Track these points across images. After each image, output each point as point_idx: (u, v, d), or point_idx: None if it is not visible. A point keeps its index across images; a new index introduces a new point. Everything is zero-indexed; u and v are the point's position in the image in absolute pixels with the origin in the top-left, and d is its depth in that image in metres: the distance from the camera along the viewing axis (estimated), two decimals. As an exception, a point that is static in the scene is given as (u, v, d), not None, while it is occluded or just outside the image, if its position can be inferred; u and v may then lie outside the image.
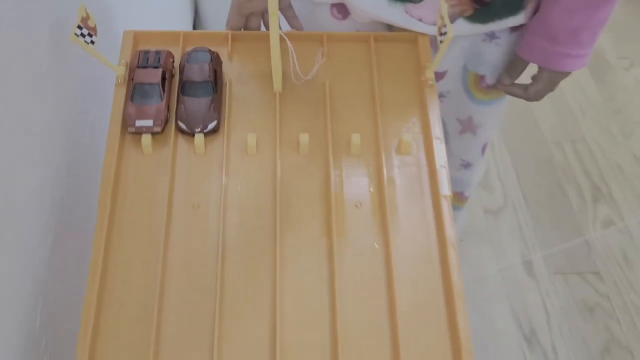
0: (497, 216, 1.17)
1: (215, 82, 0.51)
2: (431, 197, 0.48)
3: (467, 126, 0.67)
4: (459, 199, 0.77)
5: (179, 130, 0.50)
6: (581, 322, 1.03)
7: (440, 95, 0.64)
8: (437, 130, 0.50)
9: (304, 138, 0.49)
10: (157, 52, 0.52)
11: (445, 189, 0.47)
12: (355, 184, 0.49)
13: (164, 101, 0.50)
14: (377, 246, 0.46)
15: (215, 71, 0.51)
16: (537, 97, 0.61)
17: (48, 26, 0.48)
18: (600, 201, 1.20)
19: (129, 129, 0.49)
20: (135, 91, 0.49)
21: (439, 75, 0.61)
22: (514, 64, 0.60)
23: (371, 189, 0.48)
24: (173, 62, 0.53)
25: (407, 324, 0.43)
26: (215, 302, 0.43)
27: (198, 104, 0.50)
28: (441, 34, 0.47)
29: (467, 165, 0.71)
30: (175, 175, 0.48)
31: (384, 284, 0.44)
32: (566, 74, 0.59)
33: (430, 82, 0.51)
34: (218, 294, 0.43)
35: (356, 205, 0.48)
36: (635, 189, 1.23)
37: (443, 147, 0.49)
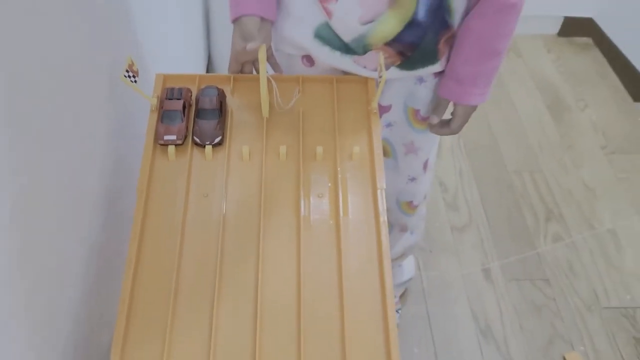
0: (462, 232, 1.35)
1: (221, 110, 0.70)
2: (371, 189, 0.66)
3: (410, 149, 0.85)
4: (409, 207, 0.94)
5: (195, 143, 0.68)
6: (530, 320, 1.18)
7: (389, 125, 0.83)
8: (378, 144, 0.69)
9: (283, 149, 0.67)
10: (180, 89, 0.71)
11: (382, 183, 0.66)
12: (319, 181, 0.67)
13: (184, 122, 0.69)
14: (331, 222, 0.64)
15: (221, 102, 0.70)
16: (458, 129, 0.79)
17: (106, 67, 0.68)
18: (551, 220, 1.37)
19: (159, 141, 0.67)
20: (164, 115, 0.68)
21: (386, 109, 0.80)
22: (438, 103, 0.79)
23: (329, 184, 0.67)
24: (191, 95, 0.72)
25: (352, 282, 0.60)
26: (217, 262, 0.61)
27: (208, 125, 0.68)
28: (380, 77, 0.67)
29: (412, 179, 0.89)
30: (191, 174, 0.67)
31: (335, 249, 0.62)
32: (474, 107, 0.77)
33: (375, 111, 0.70)
34: (219, 257, 0.61)
35: (319, 195, 0.66)
36: (582, 211, 1.40)
37: (381, 155, 0.68)
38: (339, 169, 0.67)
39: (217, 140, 0.68)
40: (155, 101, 0.70)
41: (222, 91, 0.72)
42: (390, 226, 0.98)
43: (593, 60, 1.88)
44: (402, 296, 1.19)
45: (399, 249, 1.02)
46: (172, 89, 0.71)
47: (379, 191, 0.65)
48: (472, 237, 1.33)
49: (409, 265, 1.15)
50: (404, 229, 0.97)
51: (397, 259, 1.05)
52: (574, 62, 1.86)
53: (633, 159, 1.53)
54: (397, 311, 1.16)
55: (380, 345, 0.58)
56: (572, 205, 1.41)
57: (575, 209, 1.40)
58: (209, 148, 0.68)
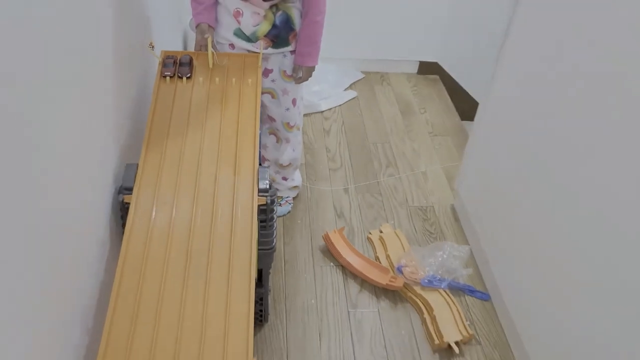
0: (335, 171, 2.12)
1: (190, 64, 1.47)
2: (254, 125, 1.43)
3: (284, 92, 1.62)
4: (288, 126, 1.70)
5: (178, 76, 1.45)
6: (366, 210, 1.94)
7: (272, 80, 1.61)
8: (259, 84, 1.47)
9: (216, 80, 1.45)
10: (172, 56, 1.49)
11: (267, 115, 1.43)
12: (230, 95, 1.44)
13: (174, 68, 1.46)
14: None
15: (190, 60, 1.48)
16: (306, 79, 1.58)
17: (136, 46, 1.46)
18: (389, 167, 2.16)
19: (162, 75, 1.44)
20: (164, 64, 1.46)
21: (270, 71, 1.59)
22: (295, 66, 1.57)
23: (238, 99, 1.44)
24: (176, 59, 1.50)
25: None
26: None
27: (184, 69, 1.45)
28: (264, 55, 1.45)
29: (287, 109, 1.65)
30: (176, 90, 1.43)
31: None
32: (312, 67, 1.57)
33: (260, 69, 1.49)
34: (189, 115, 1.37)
35: (228, 106, 1.43)
36: (409, 163, 2.19)
37: (260, 93, 1.45)
38: (241, 90, 1.45)
39: (187, 75, 1.45)
40: (161, 59, 1.48)
41: (191, 57, 1.50)
42: (280, 140, 1.75)
43: (437, 89, 2.74)
44: (295, 198, 1.94)
45: (286, 158, 1.78)
46: (168, 56, 1.49)
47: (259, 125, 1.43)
48: (340, 173, 2.11)
49: (298, 177, 1.91)
50: (287, 141, 1.73)
51: (286, 167, 1.81)
52: (424, 89, 2.72)
53: (445, 138, 2.35)
54: (290, 203, 1.90)
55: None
56: (404, 160, 2.20)
57: (405, 162, 2.20)
58: (184, 80, 1.45)
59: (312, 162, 2.15)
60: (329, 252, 1.74)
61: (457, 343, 1.47)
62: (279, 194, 1.87)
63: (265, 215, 1.28)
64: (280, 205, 1.86)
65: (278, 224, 1.82)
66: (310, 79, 1.61)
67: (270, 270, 1.44)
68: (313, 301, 1.60)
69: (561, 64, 1.35)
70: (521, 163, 1.51)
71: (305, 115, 2.35)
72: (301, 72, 1.57)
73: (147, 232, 1.14)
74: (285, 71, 1.59)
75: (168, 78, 1.43)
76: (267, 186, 1.25)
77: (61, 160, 0.92)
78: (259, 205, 1.23)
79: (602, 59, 1.19)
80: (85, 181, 1.06)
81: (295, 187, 1.91)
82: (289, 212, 1.89)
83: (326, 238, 1.74)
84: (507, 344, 1.53)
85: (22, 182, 0.76)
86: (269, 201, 1.24)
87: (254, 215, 1.19)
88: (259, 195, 1.23)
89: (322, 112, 2.44)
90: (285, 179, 1.85)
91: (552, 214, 1.34)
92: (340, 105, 2.50)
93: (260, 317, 1.49)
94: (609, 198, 1.14)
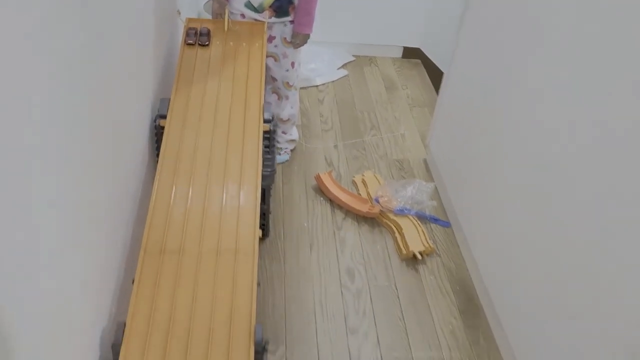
0: (326, 132, 2.45)
1: (208, 35, 1.80)
2: (259, 84, 1.76)
3: (285, 56, 1.95)
4: (288, 85, 2.04)
5: (199, 44, 1.78)
6: (352, 161, 2.27)
7: (275, 46, 1.94)
8: (264, 52, 1.80)
9: (231, 43, 1.78)
10: (192, 29, 1.82)
11: (271, 76, 1.76)
12: (240, 54, 1.78)
13: (196, 37, 1.79)
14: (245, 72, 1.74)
15: (209, 31, 1.81)
16: (302, 44, 1.92)
17: (168, 10, 1.79)
18: (372, 129, 2.49)
19: (186, 42, 1.77)
20: (187, 33, 1.79)
21: (273, 37, 1.92)
22: (293, 33, 1.91)
23: (249, 61, 1.77)
24: (197, 29, 1.83)
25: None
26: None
27: (203, 38, 1.79)
28: (268, 23, 1.79)
29: (287, 70, 1.99)
30: (197, 54, 1.76)
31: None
32: (307, 35, 1.90)
33: (266, 36, 1.82)
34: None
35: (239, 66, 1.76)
36: (390, 127, 2.52)
37: (265, 53, 1.78)
38: (250, 51, 1.78)
39: (206, 43, 1.78)
40: (185, 23, 1.81)
41: (209, 29, 1.83)
42: (281, 98, 2.08)
43: (419, 71, 3.08)
44: (292, 150, 2.27)
45: (286, 114, 2.11)
46: (190, 28, 1.82)
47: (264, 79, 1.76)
48: (331, 134, 2.44)
49: (295, 133, 2.24)
50: (287, 98, 2.07)
51: (286, 122, 2.14)
52: (407, 70, 3.06)
53: (422, 109, 2.68)
54: (288, 153, 2.23)
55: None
56: (386, 125, 2.54)
57: (387, 126, 2.53)
58: (204, 47, 1.78)
59: (307, 124, 2.48)
60: (320, 190, 2.07)
61: (420, 253, 1.79)
62: (278, 145, 2.19)
63: (268, 142, 1.61)
64: (279, 154, 2.19)
65: (278, 170, 2.15)
66: (305, 46, 1.95)
67: (272, 192, 1.77)
68: (305, 224, 1.93)
69: (501, 32, 1.69)
70: (477, 119, 1.84)
71: (302, 88, 2.69)
72: (298, 39, 1.90)
73: (178, 148, 1.47)
74: (285, 38, 1.92)
75: (190, 45, 1.76)
76: (270, 117, 1.58)
77: (124, 88, 1.25)
78: (264, 132, 1.56)
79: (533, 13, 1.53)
80: (135, 106, 1.39)
81: (293, 140, 2.24)
82: (287, 160, 2.22)
83: (317, 178, 2.07)
84: (461, 257, 1.85)
85: (108, 96, 1.09)
86: (271, 128, 1.58)
87: (260, 139, 1.52)
88: (264, 124, 1.56)
89: (317, 86, 2.77)
90: (284, 132, 2.18)
91: (502, 160, 1.67)
92: (333, 81, 2.83)
93: (263, 230, 1.82)
94: (553, 140, 1.47)
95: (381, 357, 1.53)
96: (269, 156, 1.65)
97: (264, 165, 1.66)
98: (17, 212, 0.70)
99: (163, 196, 1.37)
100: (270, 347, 1.51)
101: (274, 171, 1.68)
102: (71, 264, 0.93)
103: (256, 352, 1.13)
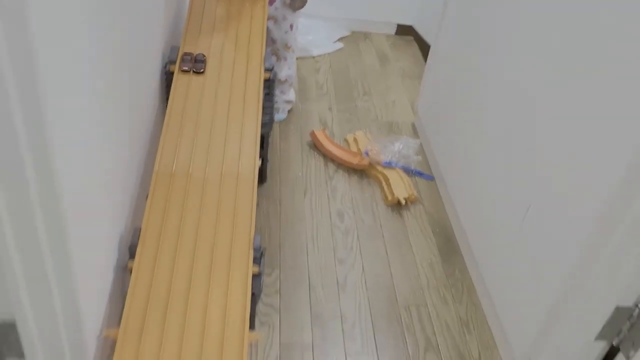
0: (321, 96, 2.60)
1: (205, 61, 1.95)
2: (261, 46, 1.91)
3: (284, 18, 2.10)
4: (286, 46, 2.18)
5: (193, 72, 1.93)
6: (344, 124, 2.42)
7: (275, 8, 2.08)
8: (266, 11, 1.94)
9: (236, 3, 1.92)
10: (189, 53, 1.96)
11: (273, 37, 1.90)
12: (243, 24, 1.92)
13: (191, 63, 1.93)
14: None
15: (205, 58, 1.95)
16: (301, 7, 2.06)
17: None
18: (366, 95, 2.64)
19: (180, 69, 1.92)
20: (182, 59, 1.93)
21: (273, 0, 2.06)
22: None
23: (250, 28, 1.91)
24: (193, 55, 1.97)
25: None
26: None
27: (198, 65, 1.93)
28: None
29: (286, 32, 2.13)
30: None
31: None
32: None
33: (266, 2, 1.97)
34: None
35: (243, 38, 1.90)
36: (382, 95, 2.67)
37: (266, 13, 1.92)
38: (252, 11, 1.92)
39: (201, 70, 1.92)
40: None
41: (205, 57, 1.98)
42: (280, 59, 2.23)
43: (411, 46, 3.22)
44: (289, 111, 2.42)
45: (284, 75, 2.25)
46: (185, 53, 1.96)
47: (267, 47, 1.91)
48: (326, 98, 2.59)
49: (292, 94, 2.39)
50: (285, 59, 2.21)
51: (283, 82, 2.28)
52: (400, 46, 3.20)
53: (413, 81, 2.83)
54: (284, 112, 2.38)
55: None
56: (378, 92, 2.68)
57: (379, 94, 2.67)
58: (211, 7, 1.92)
59: (304, 89, 2.63)
60: (314, 146, 2.22)
61: (405, 199, 1.95)
62: (276, 105, 2.34)
63: (268, 90, 1.76)
64: (277, 112, 2.34)
65: (275, 128, 2.30)
66: (303, 19, 2.10)
67: (270, 142, 1.92)
68: (300, 174, 2.08)
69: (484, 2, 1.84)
70: (461, 83, 2.00)
71: (299, 58, 2.82)
72: (297, 2, 2.05)
73: (185, 93, 1.62)
74: (285, 0, 2.07)
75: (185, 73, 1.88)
76: (271, 67, 1.73)
77: (140, 35, 1.40)
78: (265, 80, 1.71)
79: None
80: (148, 52, 1.54)
81: (289, 101, 2.39)
82: (284, 119, 2.37)
83: (312, 134, 2.22)
84: (442, 206, 2.01)
85: (128, 41, 1.24)
86: (271, 77, 1.72)
87: (261, 84, 1.67)
88: (265, 72, 1.71)
89: (313, 56, 2.92)
90: (282, 92, 2.33)
91: (482, 119, 1.83)
92: (329, 53, 2.98)
93: (261, 176, 1.97)
94: (525, 99, 1.63)
95: (365, 282, 1.69)
96: (268, 103, 1.79)
97: (263, 113, 1.80)
98: (58, 116, 0.85)
99: (172, 130, 1.52)
100: (266, 270, 1.66)
101: (272, 119, 1.83)
102: (98, 170, 1.08)
103: (254, 258, 1.28)
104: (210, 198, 1.37)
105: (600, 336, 1.23)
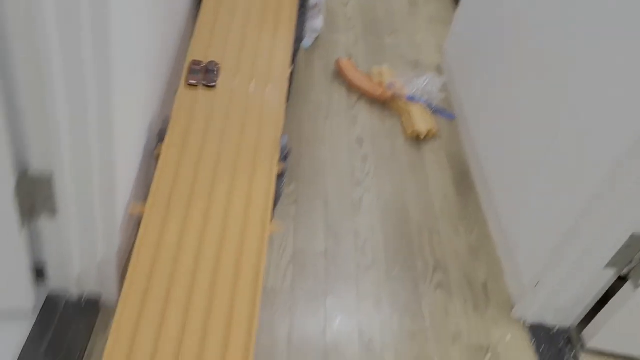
0: (349, 30, 2.56)
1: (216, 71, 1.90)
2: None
3: None
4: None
5: (203, 85, 1.88)
6: (371, 57, 2.40)
7: None
8: None
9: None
10: (199, 62, 1.91)
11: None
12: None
13: (200, 75, 1.88)
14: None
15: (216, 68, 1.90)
16: None
17: None
18: (393, 33, 2.61)
19: (187, 83, 1.87)
20: (190, 70, 1.88)
21: None
22: None
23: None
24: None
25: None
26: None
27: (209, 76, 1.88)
28: None
29: None
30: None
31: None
32: None
33: None
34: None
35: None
36: (409, 35, 2.64)
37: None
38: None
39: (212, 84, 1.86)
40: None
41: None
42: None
43: (441, -7, 3.17)
44: (316, 39, 2.39)
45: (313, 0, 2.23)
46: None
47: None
48: (353, 32, 2.55)
49: (320, 21, 2.36)
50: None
51: (314, 8, 2.25)
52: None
53: (441, 25, 2.79)
54: (311, 39, 2.36)
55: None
56: (405, 33, 2.65)
57: (406, 33, 2.64)
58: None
59: (331, 21, 2.59)
60: (339, 74, 2.20)
61: (425, 133, 1.95)
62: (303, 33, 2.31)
63: (301, 6, 1.74)
64: (304, 38, 2.31)
65: (301, 55, 2.28)
66: None
67: (296, 63, 1.91)
68: (323, 99, 2.08)
69: None
70: (491, 26, 1.96)
71: (329, -9, 2.78)
72: None
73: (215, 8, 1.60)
74: None
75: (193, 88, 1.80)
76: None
77: None
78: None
79: None
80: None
81: (316, 30, 2.36)
82: (309, 46, 2.35)
83: (337, 62, 2.20)
84: (461, 143, 2.02)
85: None
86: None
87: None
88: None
89: (343, -8, 2.87)
90: (311, 17, 2.30)
91: (509, 62, 1.80)
92: (358, -9, 2.93)
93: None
94: (553, 43, 1.60)
95: (380, 205, 1.71)
96: (300, 21, 1.78)
97: (297, 31, 1.79)
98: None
99: (202, 36, 1.51)
100: (285, 181, 1.68)
101: (301, 39, 1.82)
102: (141, 44, 1.08)
103: (280, 158, 1.30)
104: (236, 109, 1.38)
105: (611, 264, 1.25)
